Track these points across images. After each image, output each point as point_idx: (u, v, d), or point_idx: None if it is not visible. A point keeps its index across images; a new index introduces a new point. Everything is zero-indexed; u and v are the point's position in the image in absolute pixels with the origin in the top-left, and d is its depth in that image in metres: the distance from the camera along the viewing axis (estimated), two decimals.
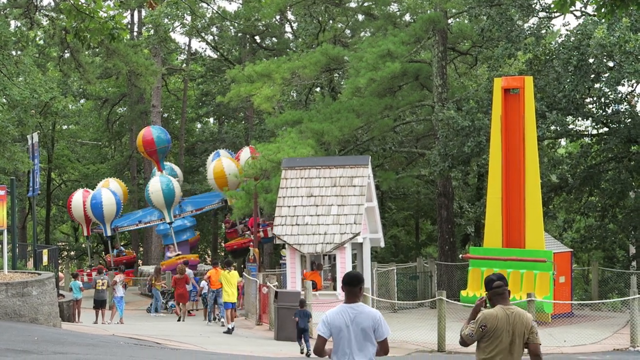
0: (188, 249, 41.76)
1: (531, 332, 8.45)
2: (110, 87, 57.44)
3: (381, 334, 8.27)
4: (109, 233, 40.79)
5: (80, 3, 12.88)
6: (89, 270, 40.85)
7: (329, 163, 28.78)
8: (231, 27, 53.55)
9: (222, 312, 26.88)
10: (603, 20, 29.23)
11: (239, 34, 53.29)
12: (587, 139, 36.76)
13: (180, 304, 30.91)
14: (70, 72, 40.88)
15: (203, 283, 30.27)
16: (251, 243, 36.72)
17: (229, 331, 24.90)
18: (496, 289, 8.56)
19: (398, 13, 41.76)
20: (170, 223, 40.33)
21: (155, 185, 39.83)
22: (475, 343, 8.57)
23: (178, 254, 39.86)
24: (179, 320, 30.05)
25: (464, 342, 8.59)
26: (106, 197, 40.14)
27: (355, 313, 8.26)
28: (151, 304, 33.94)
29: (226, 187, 39.15)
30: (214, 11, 51.93)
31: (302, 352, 20.68)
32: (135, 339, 20.73)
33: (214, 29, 55.04)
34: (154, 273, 34.46)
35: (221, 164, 40.24)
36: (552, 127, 31.00)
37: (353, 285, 8.37)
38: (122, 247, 44.50)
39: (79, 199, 41.22)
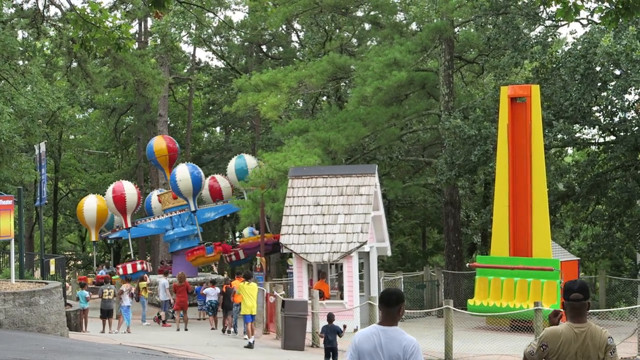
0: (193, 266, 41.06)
1: (606, 352, 6.92)
2: (118, 97, 57.55)
3: None
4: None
5: (86, 13, 12.95)
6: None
7: (336, 172, 28.79)
8: (237, 37, 53.65)
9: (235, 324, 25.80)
10: (610, 28, 29.29)
11: (246, 43, 53.37)
12: (594, 147, 36.76)
13: (182, 312, 30.10)
14: (77, 82, 40.88)
15: (207, 290, 30.13)
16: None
17: (250, 345, 23.15)
18: (572, 302, 7.02)
19: (404, 22, 41.82)
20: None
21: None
22: None
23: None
24: (178, 330, 29.25)
25: None
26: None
27: (387, 339, 6.99)
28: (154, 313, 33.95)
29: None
30: (221, 20, 52.04)
31: None
32: (143, 348, 20.72)
33: (220, 39, 55.15)
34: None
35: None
36: (559, 136, 31.00)
37: (390, 305, 7.11)
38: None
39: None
